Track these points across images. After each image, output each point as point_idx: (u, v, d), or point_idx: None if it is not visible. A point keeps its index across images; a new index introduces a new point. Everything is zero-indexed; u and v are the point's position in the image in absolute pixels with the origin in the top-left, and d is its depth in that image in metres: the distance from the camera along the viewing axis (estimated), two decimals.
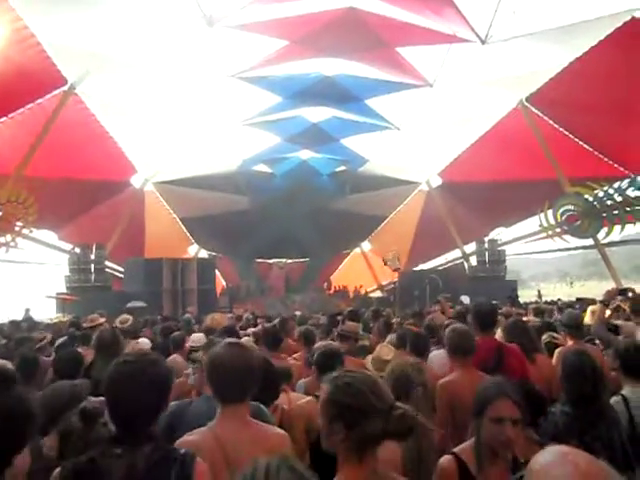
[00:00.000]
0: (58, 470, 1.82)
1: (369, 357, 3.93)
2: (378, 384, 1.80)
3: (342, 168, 24.91)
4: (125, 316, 6.82)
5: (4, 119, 15.97)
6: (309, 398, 3.30)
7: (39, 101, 16.35)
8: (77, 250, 20.42)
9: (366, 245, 29.36)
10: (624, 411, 3.01)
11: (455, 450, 2.26)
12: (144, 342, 5.35)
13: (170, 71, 18.26)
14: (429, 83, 19.24)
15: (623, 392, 3.15)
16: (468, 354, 3.57)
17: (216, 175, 22.80)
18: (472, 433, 2.29)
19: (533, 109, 18.45)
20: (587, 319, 6.00)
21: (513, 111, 18.79)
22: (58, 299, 15.80)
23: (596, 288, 16.17)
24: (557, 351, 4.47)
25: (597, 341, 5.02)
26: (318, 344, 4.29)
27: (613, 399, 3.07)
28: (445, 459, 2.22)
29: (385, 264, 23.25)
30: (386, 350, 3.84)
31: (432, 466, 2.23)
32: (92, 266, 20.04)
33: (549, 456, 1.11)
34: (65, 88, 16.74)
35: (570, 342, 4.65)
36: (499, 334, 4.42)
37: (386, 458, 1.86)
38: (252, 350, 2.37)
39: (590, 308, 6.28)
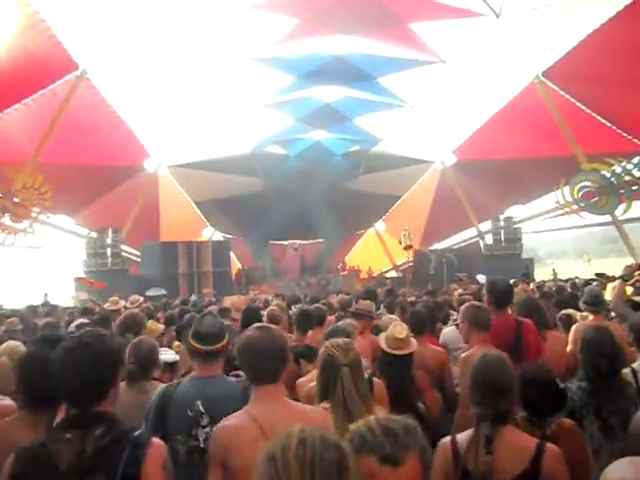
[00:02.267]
0: (12, 455, 1.81)
1: (382, 335, 3.93)
2: None
3: (355, 148, 24.72)
4: (135, 296, 6.93)
5: (17, 106, 16.03)
6: None
7: (51, 87, 16.38)
8: (93, 235, 20.64)
9: (380, 225, 29.24)
10: (632, 383, 3.04)
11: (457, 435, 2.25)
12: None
13: (181, 53, 18.19)
14: (442, 59, 18.94)
15: (634, 365, 3.17)
16: (483, 329, 3.69)
17: (230, 157, 22.76)
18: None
19: (549, 84, 18.10)
20: (607, 296, 5.92)
21: (529, 86, 18.45)
22: (84, 283, 16.06)
23: (614, 266, 15.97)
24: (573, 328, 4.47)
25: (612, 314, 4.98)
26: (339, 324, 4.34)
27: (622, 371, 3.08)
28: (444, 442, 2.22)
29: (400, 243, 23.20)
30: (399, 328, 3.83)
31: None
32: (108, 250, 20.26)
33: (630, 471, 1.02)
34: (77, 73, 16.78)
35: (591, 318, 4.62)
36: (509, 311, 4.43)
37: None
38: (281, 332, 2.45)
39: (611, 285, 6.19)
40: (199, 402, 2.61)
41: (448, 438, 2.23)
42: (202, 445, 2.55)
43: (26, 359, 2.27)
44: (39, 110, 16.34)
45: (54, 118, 16.50)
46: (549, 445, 2.11)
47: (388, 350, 3.69)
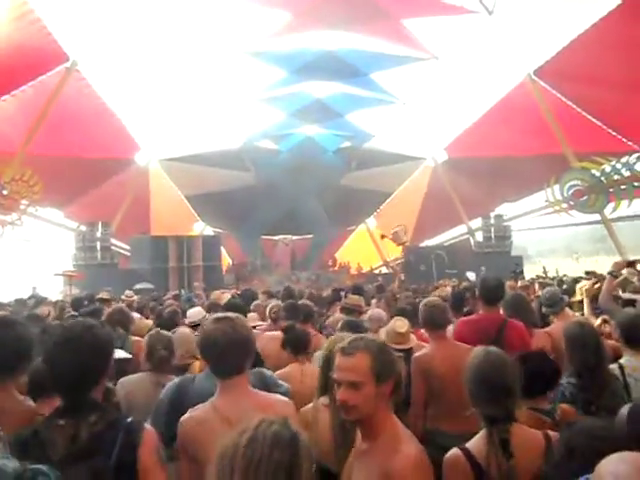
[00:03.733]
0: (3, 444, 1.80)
1: (382, 330, 3.95)
2: None
3: (347, 144, 24.74)
4: (129, 292, 6.94)
5: (6, 97, 15.87)
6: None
7: (41, 78, 16.24)
8: (83, 228, 20.50)
9: (371, 221, 29.30)
10: (620, 378, 3.09)
11: (467, 445, 2.15)
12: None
13: (173, 46, 18.10)
14: (435, 56, 18.96)
15: (621, 360, 3.23)
16: (440, 327, 3.68)
17: (221, 152, 22.73)
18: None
19: (541, 82, 18.18)
20: (578, 295, 5.97)
21: (521, 84, 18.54)
22: (65, 276, 15.94)
23: (603, 264, 16.10)
24: (549, 328, 4.54)
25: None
26: (333, 317, 4.33)
27: (610, 367, 3.14)
28: (455, 455, 2.12)
29: (389, 238, 23.19)
30: (400, 323, 3.86)
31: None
32: (98, 244, 20.15)
33: (626, 466, 1.01)
34: (67, 65, 16.64)
35: (555, 320, 4.65)
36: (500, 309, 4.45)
37: None
38: (241, 322, 2.32)
39: (579, 285, 6.26)
40: None
41: (457, 451, 2.13)
42: None
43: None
44: (28, 102, 16.19)
45: (43, 110, 16.35)
46: (552, 434, 2.14)
47: (388, 344, 3.70)
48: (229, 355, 2.19)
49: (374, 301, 7.19)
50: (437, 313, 3.70)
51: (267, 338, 4.27)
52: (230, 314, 2.37)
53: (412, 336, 3.84)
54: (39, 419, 2.00)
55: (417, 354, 3.64)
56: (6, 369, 2.35)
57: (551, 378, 2.71)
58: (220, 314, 2.40)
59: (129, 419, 1.90)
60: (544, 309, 4.90)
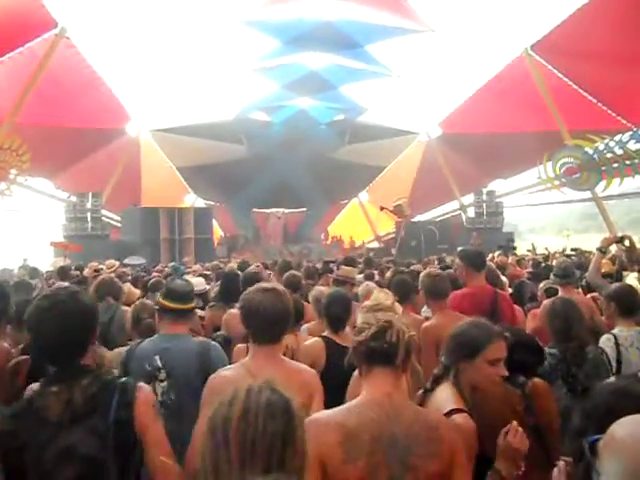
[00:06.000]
0: None
1: (366, 303, 3.94)
2: None
3: (341, 117, 24.48)
4: (111, 261, 6.91)
5: None
6: (315, 338, 3.42)
7: (29, 45, 15.83)
8: (73, 199, 20.32)
9: (364, 195, 29.24)
10: (613, 347, 3.24)
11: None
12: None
13: (165, 14, 17.73)
14: (432, 29, 18.68)
15: (614, 330, 3.38)
16: (444, 297, 3.74)
17: (213, 123, 22.46)
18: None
19: (538, 58, 17.98)
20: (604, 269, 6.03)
21: (517, 59, 18.31)
22: (60, 247, 15.79)
23: (593, 241, 16.20)
24: (543, 303, 4.59)
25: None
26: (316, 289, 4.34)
27: (604, 337, 3.31)
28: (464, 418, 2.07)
29: (390, 210, 23.14)
30: (384, 295, 3.84)
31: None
32: (89, 215, 20.02)
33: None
34: (56, 31, 16.21)
35: (561, 291, 4.73)
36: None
37: None
38: (286, 294, 2.42)
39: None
40: (157, 357, 2.67)
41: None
42: (160, 399, 2.59)
43: None
44: (16, 69, 15.83)
45: (32, 78, 15.98)
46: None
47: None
48: (272, 325, 2.28)
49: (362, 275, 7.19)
50: (437, 283, 3.76)
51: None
52: (276, 285, 2.48)
53: (397, 305, 3.83)
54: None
55: (427, 324, 3.66)
56: None
57: (532, 369, 2.77)
58: (265, 284, 2.49)
59: (123, 379, 1.92)
60: (553, 278, 4.95)
